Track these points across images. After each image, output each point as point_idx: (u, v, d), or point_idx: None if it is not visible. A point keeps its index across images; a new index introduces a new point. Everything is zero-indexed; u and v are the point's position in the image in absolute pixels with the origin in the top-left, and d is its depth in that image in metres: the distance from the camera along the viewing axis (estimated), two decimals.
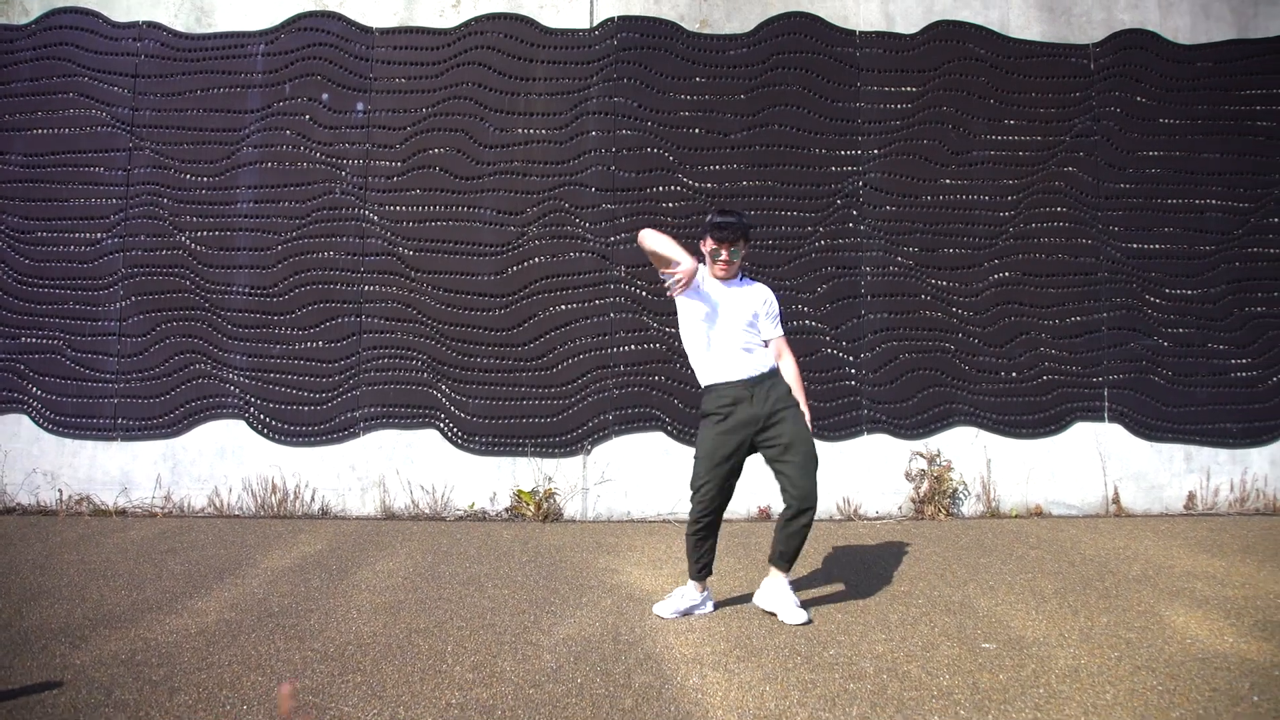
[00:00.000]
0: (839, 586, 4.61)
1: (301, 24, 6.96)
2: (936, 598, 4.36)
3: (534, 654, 3.43)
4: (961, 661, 3.39)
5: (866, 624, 3.90)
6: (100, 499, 6.64)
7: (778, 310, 4.25)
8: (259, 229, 6.85)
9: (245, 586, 4.46)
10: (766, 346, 4.15)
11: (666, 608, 4.05)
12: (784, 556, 4.04)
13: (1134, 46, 7.18)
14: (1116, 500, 6.87)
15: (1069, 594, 4.43)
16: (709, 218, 4.13)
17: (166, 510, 6.62)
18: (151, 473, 6.70)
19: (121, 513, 6.57)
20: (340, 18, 6.97)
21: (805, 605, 4.08)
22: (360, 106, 6.91)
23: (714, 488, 4.00)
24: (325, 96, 6.91)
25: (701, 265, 4.12)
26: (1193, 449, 7.00)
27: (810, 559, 5.26)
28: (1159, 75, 7.18)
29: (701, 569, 4.07)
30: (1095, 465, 6.91)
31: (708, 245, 4.10)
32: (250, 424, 6.74)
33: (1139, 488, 6.92)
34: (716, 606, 4.17)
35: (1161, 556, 5.33)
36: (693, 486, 4.05)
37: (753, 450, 4.06)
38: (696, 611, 4.06)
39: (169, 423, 6.74)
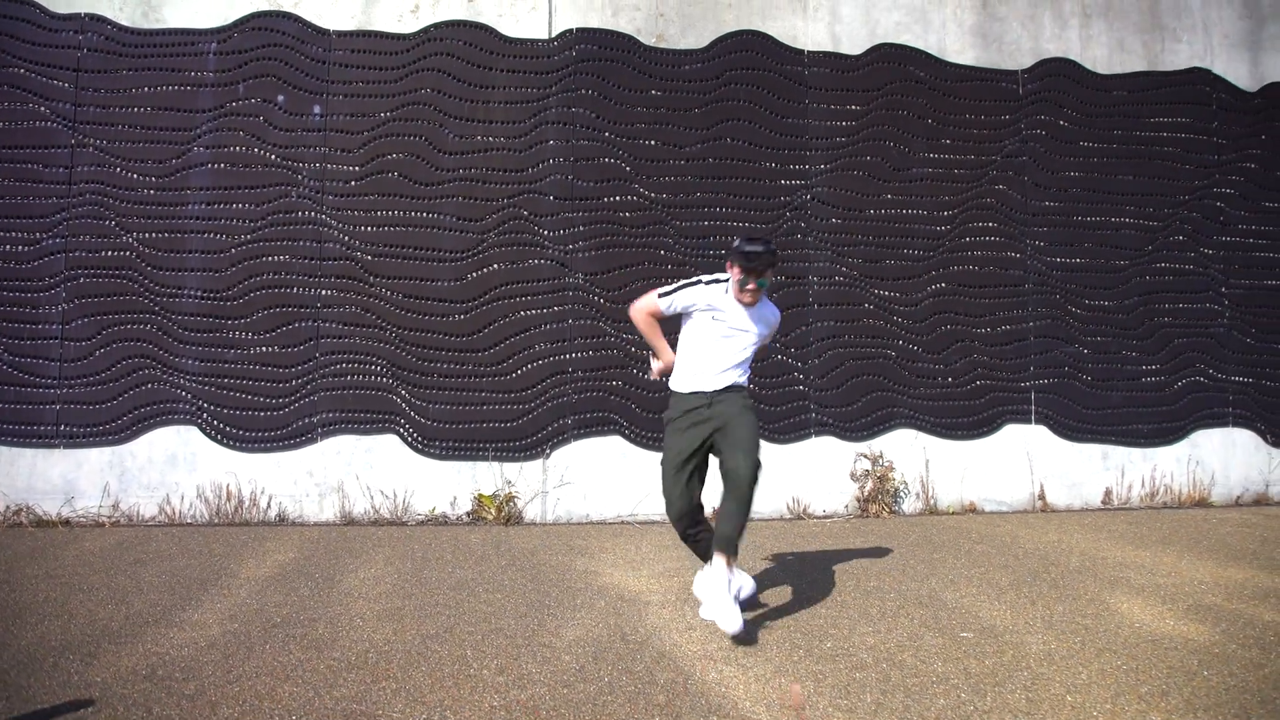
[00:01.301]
0: (812, 582, 4.87)
1: (255, 23, 6.85)
2: (905, 592, 4.66)
3: (553, 656, 3.56)
4: (948, 650, 3.68)
5: (851, 618, 4.16)
6: (42, 509, 6.41)
7: (775, 330, 4.34)
8: (211, 231, 6.72)
9: (235, 597, 4.44)
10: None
11: (731, 622, 3.76)
12: (726, 541, 3.94)
13: (1058, 74, 7.70)
14: (1042, 497, 7.38)
15: (1023, 586, 4.80)
16: (737, 244, 4.06)
17: (114, 520, 6.44)
18: (98, 481, 6.50)
19: (66, 523, 6.36)
20: (295, 19, 6.89)
21: (791, 604, 4.33)
22: (317, 109, 6.85)
23: (678, 494, 4.09)
24: (281, 98, 6.83)
25: (722, 283, 4.16)
26: (1109, 448, 7.57)
27: (780, 557, 5.52)
28: (1080, 101, 7.72)
29: (706, 555, 4.12)
30: (1023, 464, 7.41)
31: (736, 273, 4.04)
32: (203, 430, 6.61)
33: (1062, 485, 7.45)
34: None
35: (1093, 549, 5.78)
36: (664, 495, 4.16)
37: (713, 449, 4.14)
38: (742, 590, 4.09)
39: (116, 429, 6.56)
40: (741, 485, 3.89)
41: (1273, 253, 7.95)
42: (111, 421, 6.56)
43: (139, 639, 3.73)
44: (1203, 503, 7.63)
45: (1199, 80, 7.93)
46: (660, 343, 4.30)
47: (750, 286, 4.03)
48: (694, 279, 4.22)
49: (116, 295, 6.64)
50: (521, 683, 3.25)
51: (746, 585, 4.15)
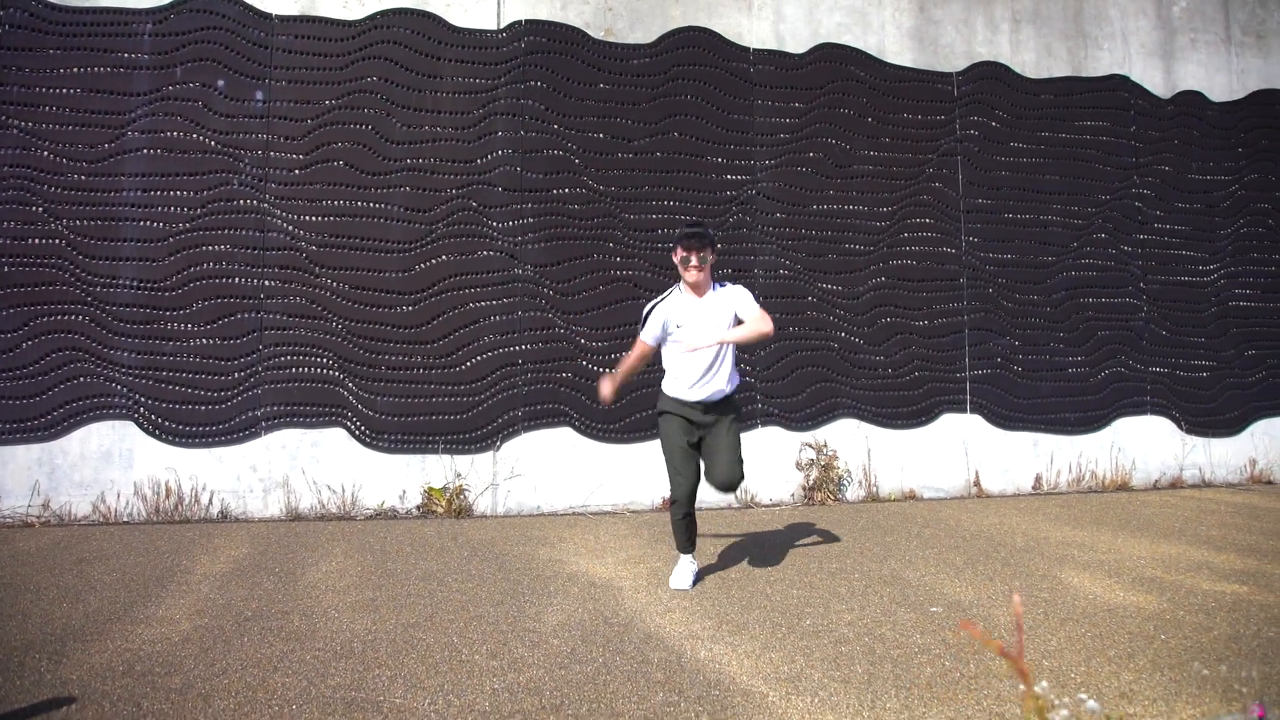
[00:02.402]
0: (778, 565, 4.96)
1: (194, 5, 6.64)
2: (869, 572, 4.79)
3: (541, 640, 3.56)
4: (922, 624, 3.81)
5: (824, 597, 4.26)
6: None
7: (751, 297, 4.43)
8: (148, 219, 6.48)
9: (196, 592, 4.30)
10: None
11: (683, 580, 4.48)
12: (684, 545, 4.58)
13: (989, 77, 8.01)
14: (978, 483, 7.66)
15: (977, 564, 4.98)
16: (679, 231, 4.43)
17: (45, 520, 6.15)
18: (26, 480, 6.20)
19: None
20: (237, 2, 6.69)
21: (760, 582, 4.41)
22: (259, 95, 6.68)
23: (686, 472, 4.40)
24: (221, 83, 6.63)
25: (674, 289, 4.49)
26: (1039, 436, 7.89)
27: (739, 544, 5.61)
28: (1010, 104, 8.04)
29: (689, 543, 4.53)
30: (960, 452, 7.67)
31: (678, 255, 4.36)
32: (140, 425, 6.37)
33: (996, 471, 7.74)
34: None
35: (1033, 530, 6.03)
36: (670, 480, 4.44)
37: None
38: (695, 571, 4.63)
39: (46, 425, 6.27)
40: (729, 478, 4.36)
41: (1185, 250, 8.41)
42: (40, 417, 6.27)
43: (105, 636, 3.58)
44: (1125, 486, 8.02)
45: (1118, 86, 8.35)
46: (623, 367, 4.61)
47: (694, 261, 4.31)
48: (648, 307, 4.52)
49: (45, 285, 6.34)
50: (516, 666, 3.24)
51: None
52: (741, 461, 4.42)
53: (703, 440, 4.43)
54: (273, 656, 3.33)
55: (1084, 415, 8.02)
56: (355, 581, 4.55)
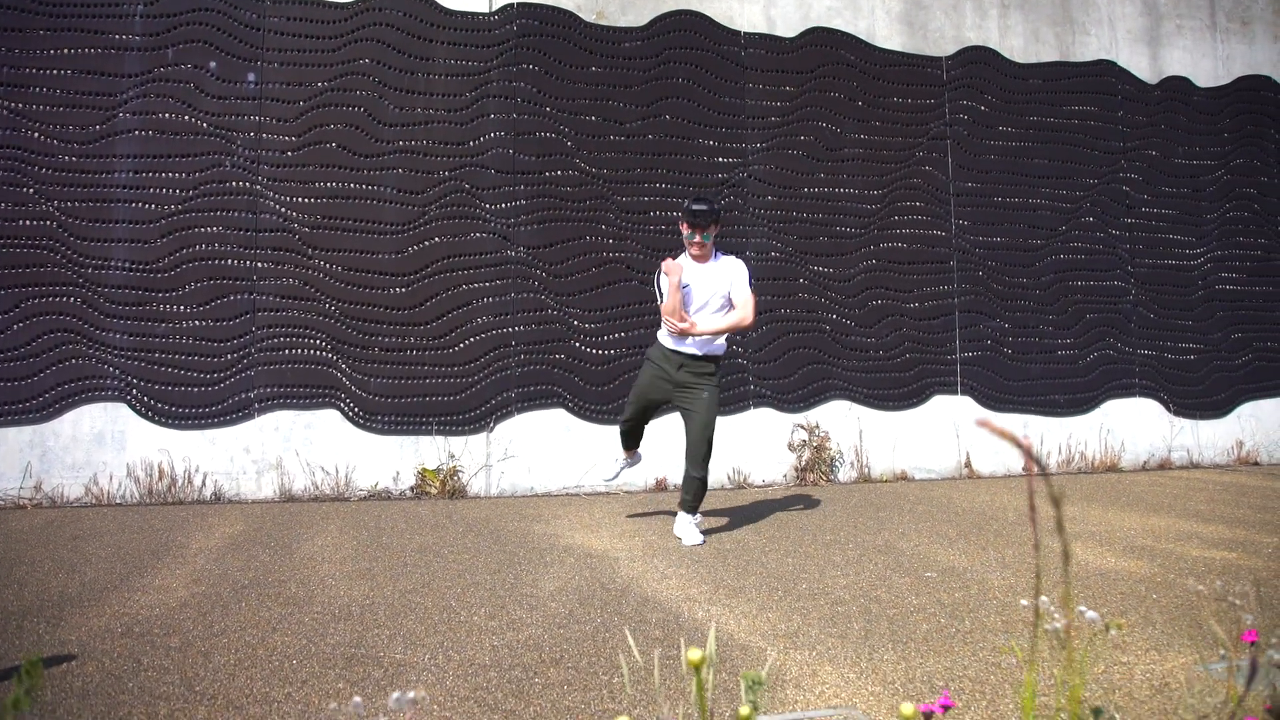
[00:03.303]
0: (772, 537, 5.00)
1: None
2: (863, 543, 4.83)
3: (539, 603, 3.58)
4: (917, 587, 3.84)
5: (820, 565, 4.29)
6: None
7: (746, 278, 4.77)
8: (140, 200, 6.47)
9: (193, 564, 4.30)
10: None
11: (612, 476, 5.51)
12: (683, 503, 4.89)
13: (978, 62, 8.06)
14: (969, 464, 7.71)
15: (970, 535, 5.03)
16: (686, 204, 4.70)
17: (37, 501, 6.13)
18: (17, 462, 6.18)
19: None
20: None
21: (729, 542, 4.45)
22: (252, 77, 6.67)
23: (635, 414, 5.08)
24: (213, 64, 6.62)
25: (685, 252, 4.80)
26: (1029, 417, 7.95)
27: (733, 519, 5.64)
28: (999, 88, 8.10)
29: (632, 443, 5.26)
30: (950, 433, 7.72)
31: (684, 229, 4.68)
32: (133, 407, 6.36)
33: (986, 452, 7.79)
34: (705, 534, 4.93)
35: (1024, 507, 6.08)
36: (627, 405, 5.13)
37: (669, 403, 4.94)
38: (629, 466, 5.46)
39: (37, 407, 6.24)
40: (697, 456, 4.72)
41: (1173, 234, 8.49)
42: (32, 399, 6.25)
43: (103, 603, 3.59)
44: (1114, 468, 8.09)
45: (1106, 72, 8.42)
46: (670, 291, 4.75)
47: (697, 239, 4.64)
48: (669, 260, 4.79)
49: (36, 266, 6.32)
50: (515, 626, 3.26)
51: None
52: (712, 424, 4.75)
53: (680, 405, 4.81)
54: (271, 619, 3.34)
55: (1073, 397, 8.09)
56: (351, 554, 4.56)
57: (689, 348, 4.73)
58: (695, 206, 4.63)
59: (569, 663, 2.84)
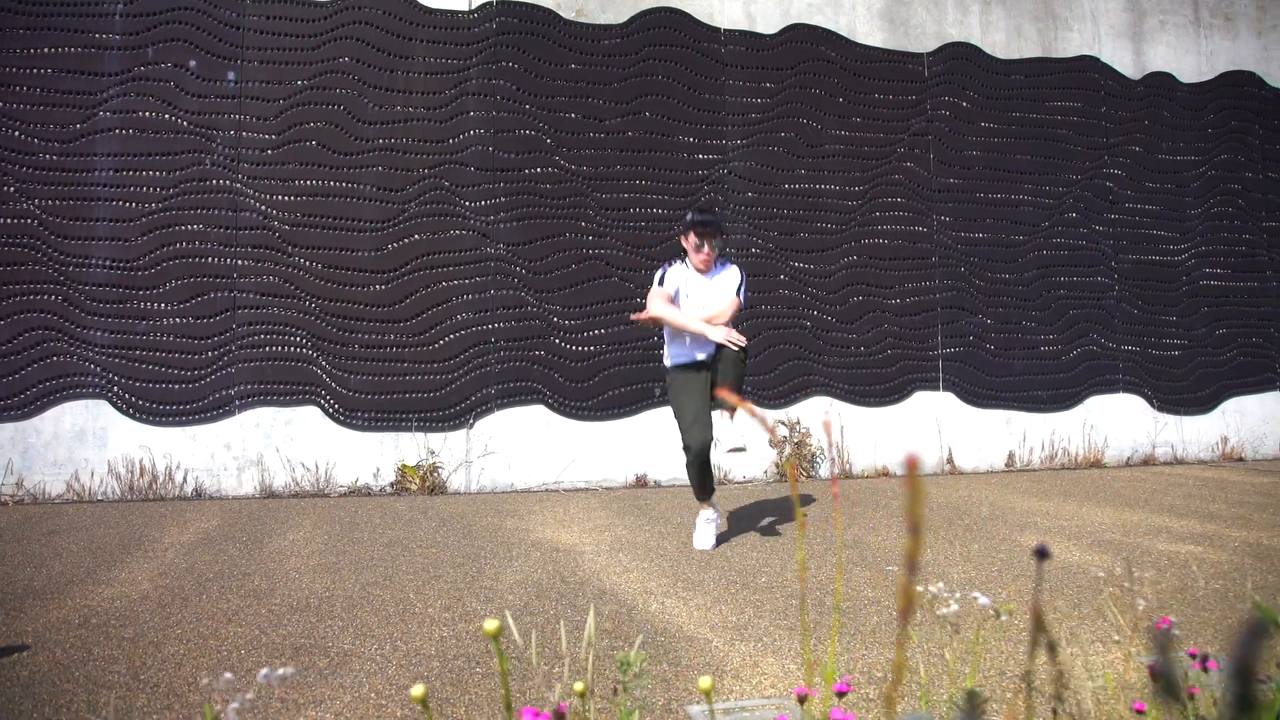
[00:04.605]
0: (742, 532, 5.02)
1: None
2: (830, 538, 4.85)
3: (496, 595, 3.61)
4: (875, 580, 3.87)
5: (782, 559, 4.32)
6: None
7: (741, 284, 4.72)
8: (120, 199, 6.50)
9: (162, 559, 4.34)
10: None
11: (705, 539, 4.58)
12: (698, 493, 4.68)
13: (960, 58, 8.07)
14: (951, 460, 7.73)
15: (940, 530, 5.05)
16: (689, 216, 4.58)
17: (18, 498, 6.17)
18: None
19: None
20: None
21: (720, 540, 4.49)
22: (231, 75, 6.70)
23: (695, 420, 4.50)
24: (193, 63, 6.65)
25: (679, 261, 4.70)
26: (1011, 413, 7.96)
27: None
28: (980, 84, 8.11)
29: (704, 491, 4.65)
30: (933, 430, 7.73)
31: (690, 240, 4.57)
32: (114, 404, 6.40)
33: (968, 448, 7.81)
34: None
35: (1001, 501, 6.10)
36: (681, 430, 4.58)
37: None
38: (717, 519, 4.80)
39: (18, 404, 6.29)
40: (730, 359, 4.49)
41: (1156, 230, 8.49)
42: (13, 396, 6.29)
43: (65, 595, 3.62)
44: (1097, 464, 8.09)
45: (1088, 67, 8.42)
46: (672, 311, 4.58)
47: (704, 252, 4.55)
48: (661, 269, 4.69)
49: (17, 264, 6.36)
50: (467, 618, 3.29)
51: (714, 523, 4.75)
52: (743, 376, 4.60)
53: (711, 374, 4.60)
54: (228, 610, 3.37)
55: (1056, 393, 8.10)
56: (320, 548, 4.59)
57: (707, 350, 4.59)
58: (700, 218, 4.53)
59: (514, 653, 2.87)
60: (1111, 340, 8.28)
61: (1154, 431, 8.33)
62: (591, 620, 1.35)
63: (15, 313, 6.34)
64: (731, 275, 4.70)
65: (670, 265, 4.70)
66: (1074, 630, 3.11)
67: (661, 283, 4.60)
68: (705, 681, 0.96)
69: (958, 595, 1.94)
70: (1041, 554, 0.78)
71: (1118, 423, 8.24)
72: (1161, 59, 8.66)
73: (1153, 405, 8.37)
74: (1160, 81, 8.63)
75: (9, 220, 6.37)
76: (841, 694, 1.60)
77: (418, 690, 0.88)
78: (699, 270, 4.63)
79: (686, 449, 4.52)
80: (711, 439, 4.56)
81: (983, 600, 1.62)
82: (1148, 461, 8.27)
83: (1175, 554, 4.37)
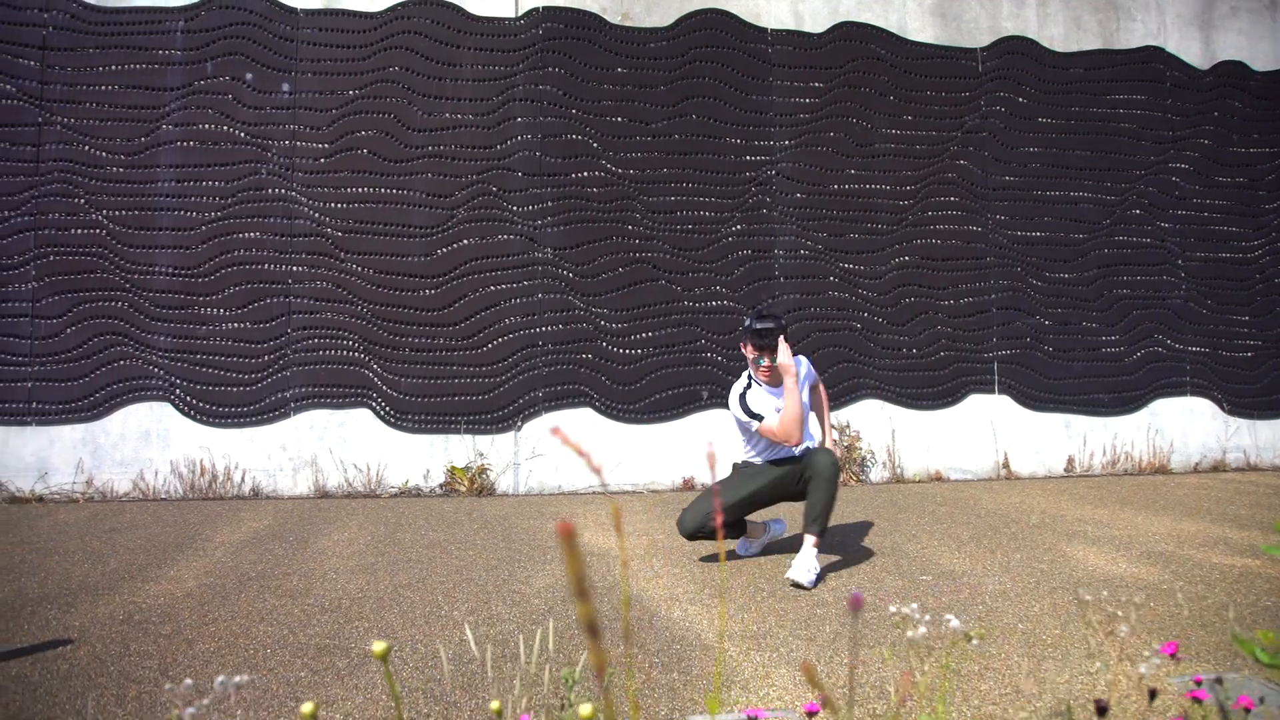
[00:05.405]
0: (781, 540, 4.98)
1: (222, 1, 6.89)
2: (869, 545, 4.79)
3: (522, 599, 3.65)
4: (906, 590, 3.81)
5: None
6: (15, 485, 6.42)
7: (813, 374, 4.35)
8: (181, 208, 6.75)
9: (211, 557, 4.50)
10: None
11: (807, 575, 3.92)
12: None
13: (1016, 52, 7.87)
14: (1006, 465, 7.54)
15: (983, 538, 4.94)
16: (748, 323, 4.12)
17: (88, 496, 6.46)
18: (71, 458, 6.52)
19: (39, 499, 6.38)
20: None
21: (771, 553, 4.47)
22: (286, 87, 6.90)
23: (721, 507, 4.18)
24: (249, 76, 6.87)
25: (746, 376, 4.23)
26: (1071, 417, 7.74)
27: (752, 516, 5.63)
28: (1038, 79, 7.89)
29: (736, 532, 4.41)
30: (988, 433, 7.56)
31: (750, 352, 4.13)
32: (176, 406, 6.65)
33: (1026, 453, 7.61)
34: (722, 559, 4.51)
35: (1053, 508, 5.94)
36: (692, 503, 4.25)
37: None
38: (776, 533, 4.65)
39: (89, 406, 6.58)
40: (823, 478, 4.06)
41: (1226, 226, 8.16)
42: (84, 399, 6.58)
43: (116, 591, 3.79)
44: (1163, 470, 7.82)
45: (1153, 58, 8.13)
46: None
47: (765, 364, 4.09)
48: (739, 399, 4.15)
49: (87, 273, 6.65)
50: (490, 621, 3.34)
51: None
52: (834, 497, 4.10)
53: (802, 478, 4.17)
54: (263, 610, 3.48)
55: (1119, 396, 7.84)
56: (361, 549, 4.71)
57: (786, 452, 4.19)
58: (759, 325, 4.03)
59: (528, 658, 2.90)
60: (1178, 341, 7.99)
61: (1225, 436, 8.01)
62: (550, 632, 1.36)
63: (86, 319, 6.62)
64: (800, 371, 4.18)
65: (745, 390, 4.15)
66: (1100, 648, 3.02)
67: (752, 414, 4.07)
68: (585, 709, 0.97)
69: (927, 619, 1.91)
70: (855, 605, 0.77)
71: (1185, 427, 7.95)
72: (1233, 46, 8.31)
73: (1223, 408, 8.05)
74: (1231, 70, 8.28)
75: (80, 231, 6.66)
76: (812, 715, 1.59)
77: (306, 708, 0.91)
78: (765, 382, 4.17)
79: (679, 523, 4.16)
80: (709, 536, 4.16)
81: (954, 623, 1.59)
82: (1218, 467, 7.95)
83: (1229, 568, 4.21)
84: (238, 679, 1.30)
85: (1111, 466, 7.74)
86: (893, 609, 1.71)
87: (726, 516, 4.22)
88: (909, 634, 1.48)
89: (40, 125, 6.68)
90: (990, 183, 7.76)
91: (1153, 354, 7.95)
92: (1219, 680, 1.62)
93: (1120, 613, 3.37)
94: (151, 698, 2.55)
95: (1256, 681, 2.58)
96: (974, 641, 1.44)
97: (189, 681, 1.32)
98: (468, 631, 1.19)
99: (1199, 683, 1.53)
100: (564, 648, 3.01)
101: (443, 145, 7.04)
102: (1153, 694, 1.30)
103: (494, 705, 1.06)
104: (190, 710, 1.25)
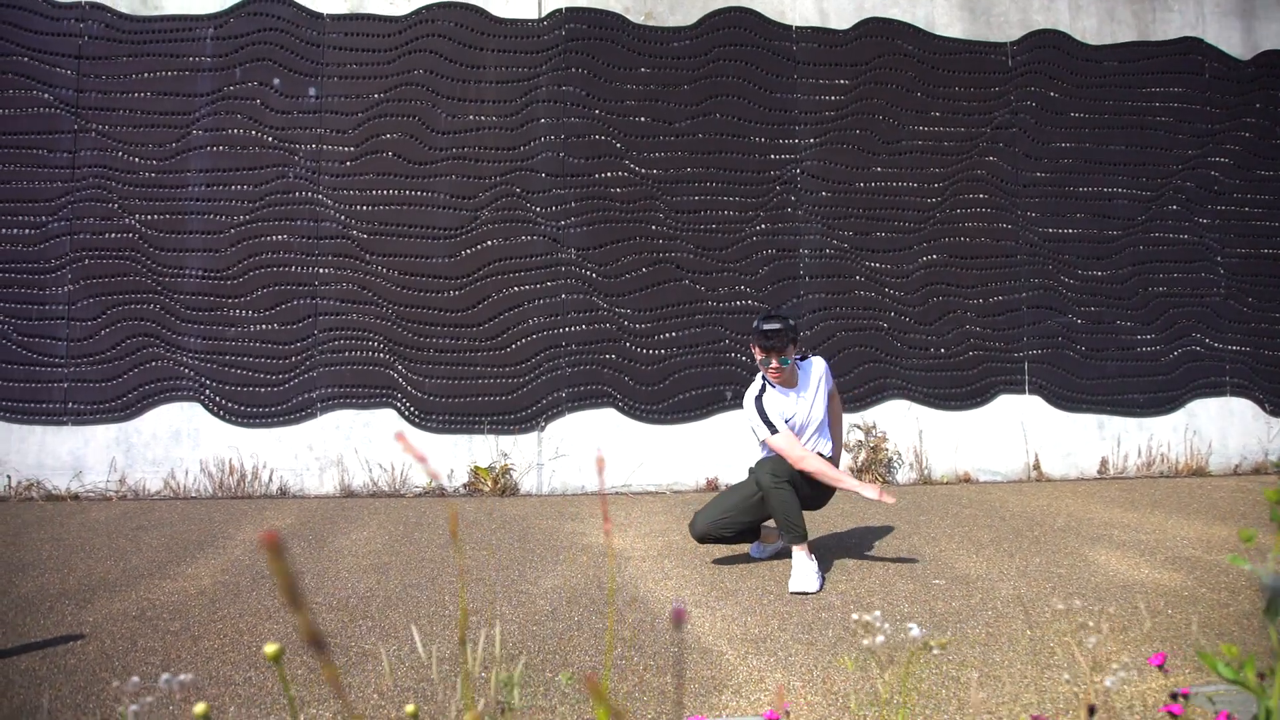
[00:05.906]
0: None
1: (251, 9, 7.01)
2: (885, 547, 4.73)
3: (528, 600, 3.67)
4: (916, 594, 3.75)
5: (826, 568, 4.23)
6: (52, 484, 6.59)
7: (831, 380, 4.34)
8: (211, 212, 6.88)
9: (229, 555, 4.58)
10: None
11: (807, 582, 3.87)
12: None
13: (1047, 46, 7.72)
14: (1037, 466, 7.41)
15: (1003, 542, 4.85)
16: (756, 324, 4.08)
17: (121, 494, 6.61)
18: (104, 457, 6.67)
19: (75, 497, 6.54)
20: (290, 3, 7.03)
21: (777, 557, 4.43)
22: (312, 92, 6.99)
23: (725, 514, 4.18)
24: (277, 81, 6.97)
25: (760, 379, 4.22)
26: (1104, 418, 7.58)
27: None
28: (1070, 73, 7.74)
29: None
30: (1018, 434, 7.43)
31: (758, 354, 4.10)
32: (206, 406, 6.77)
33: (1057, 454, 7.47)
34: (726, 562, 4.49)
35: (1081, 511, 5.82)
36: (703, 509, 4.30)
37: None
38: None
39: (122, 406, 6.73)
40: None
41: (1269, 221, 7.93)
42: (118, 399, 6.74)
43: (133, 588, 3.87)
44: (1200, 472, 7.62)
45: (1191, 49, 7.93)
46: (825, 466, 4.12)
47: (773, 365, 4.05)
48: (753, 402, 4.14)
49: (120, 276, 6.81)
50: (494, 622, 3.35)
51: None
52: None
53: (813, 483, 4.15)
54: (271, 608, 3.53)
55: (1154, 396, 7.66)
56: (378, 548, 4.76)
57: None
58: (766, 327, 4.00)
59: (524, 658, 2.91)
60: (1217, 340, 7.78)
61: (1266, 437, 7.78)
62: (497, 637, 1.36)
63: (119, 320, 6.78)
64: (817, 373, 4.24)
65: (760, 393, 4.15)
66: (1110, 657, 2.95)
67: (766, 420, 4.07)
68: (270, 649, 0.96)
69: (887, 627, 1.88)
70: (677, 620, 0.75)
71: (1224, 428, 7.74)
72: (1275, 36, 8.07)
73: (1264, 409, 7.82)
74: (1274, 61, 8.04)
75: (113, 235, 6.82)
76: None
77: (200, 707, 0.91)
78: (782, 385, 4.16)
79: (690, 526, 4.24)
80: (711, 539, 4.23)
81: (915, 631, 1.56)
82: (1259, 470, 7.74)
83: (1257, 574, 4.08)
84: (181, 678, 1.32)
85: (1146, 468, 7.56)
86: (855, 616, 1.68)
87: (738, 521, 4.20)
88: (864, 642, 1.45)
89: (76, 132, 6.85)
90: (1021, 179, 7.62)
91: (1190, 353, 7.75)
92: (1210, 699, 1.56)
93: (1093, 623, 3.29)
94: (150, 693, 2.60)
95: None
96: (934, 650, 1.40)
97: (135, 679, 1.34)
98: (414, 633, 1.19)
99: (1185, 696, 1.48)
100: (563, 649, 3.01)
101: (467, 147, 7.08)
102: (1091, 710, 1.26)
103: (409, 708, 1.06)
104: (134, 709, 1.27)
